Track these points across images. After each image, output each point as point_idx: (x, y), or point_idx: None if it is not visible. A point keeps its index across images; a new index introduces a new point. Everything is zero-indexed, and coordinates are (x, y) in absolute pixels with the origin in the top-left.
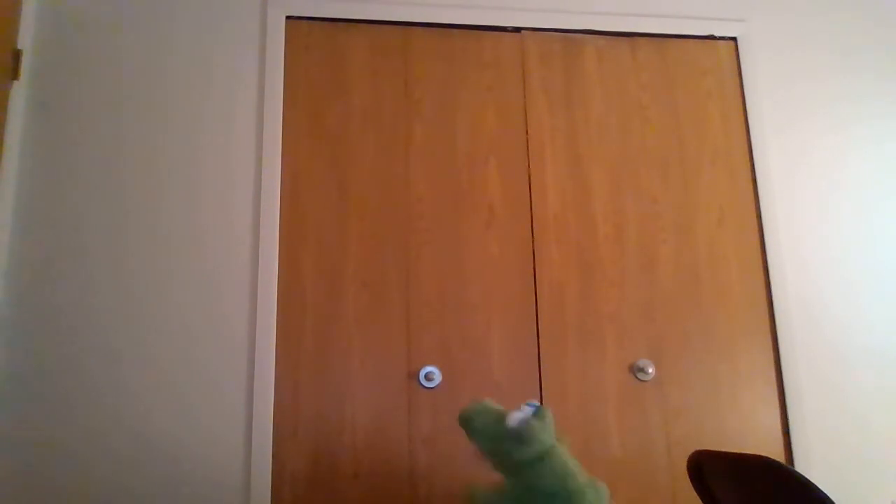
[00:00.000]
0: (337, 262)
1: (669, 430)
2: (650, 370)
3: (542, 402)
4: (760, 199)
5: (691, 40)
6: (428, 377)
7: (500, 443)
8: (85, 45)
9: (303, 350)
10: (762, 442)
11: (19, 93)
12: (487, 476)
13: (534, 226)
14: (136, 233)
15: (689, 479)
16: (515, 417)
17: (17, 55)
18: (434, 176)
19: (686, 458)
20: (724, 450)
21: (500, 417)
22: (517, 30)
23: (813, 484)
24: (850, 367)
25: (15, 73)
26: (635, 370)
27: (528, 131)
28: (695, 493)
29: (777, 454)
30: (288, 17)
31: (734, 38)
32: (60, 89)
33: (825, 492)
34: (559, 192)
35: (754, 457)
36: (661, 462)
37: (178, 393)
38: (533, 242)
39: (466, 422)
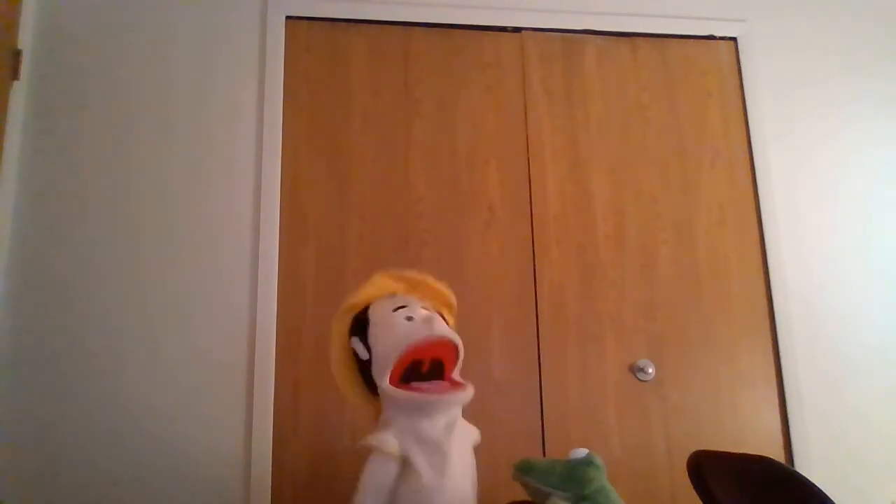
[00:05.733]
0: (337, 261)
1: (669, 430)
2: (650, 370)
3: (542, 402)
4: (760, 199)
5: (691, 40)
6: None
7: (568, 476)
8: (85, 46)
9: (303, 350)
10: (762, 442)
11: (19, 93)
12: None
13: (534, 226)
14: (136, 232)
15: (689, 479)
16: (579, 451)
17: (17, 55)
18: (434, 176)
19: (686, 458)
20: (724, 450)
21: (555, 461)
22: (517, 30)
23: (813, 484)
24: (851, 367)
25: (15, 73)
26: (635, 370)
27: (528, 131)
28: (695, 493)
29: (777, 454)
30: (288, 17)
31: (734, 38)
32: (60, 89)
33: (825, 492)
34: (559, 192)
35: (754, 457)
36: (661, 462)
37: (179, 393)
38: (533, 242)
39: (526, 466)
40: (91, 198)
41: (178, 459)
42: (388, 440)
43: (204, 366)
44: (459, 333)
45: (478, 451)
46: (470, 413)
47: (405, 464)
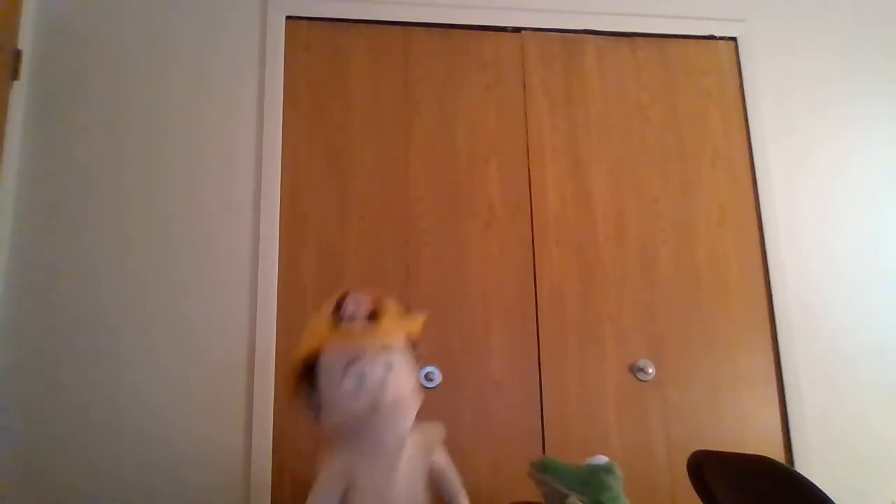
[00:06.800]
0: (337, 262)
1: (669, 430)
2: (650, 370)
3: (542, 402)
4: (760, 199)
5: (691, 40)
6: (428, 377)
7: (586, 480)
8: (85, 46)
9: None
10: (762, 442)
11: (19, 93)
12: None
13: (534, 226)
14: (136, 232)
15: (689, 479)
16: (599, 458)
17: (17, 55)
18: (434, 176)
19: (686, 458)
20: (724, 450)
21: (575, 464)
22: (517, 30)
23: (813, 484)
24: (850, 367)
25: (15, 73)
26: (635, 370)
27: (528, 131)
28: (695, 493)
29: (777, 454)
30: (288, 17)
31: (734, 39)
32: (60, 89)
33: (825, 492)
34: (559, 192)
35: (754, 457)
36: (661, 462)
37: (179, 393)
38: (533, 242)
39: (543, 465)
40: (91, 197)
41: (178, 459)
42: (333, 466)
43: (204, 366)
44: (460, 334)
45: (478, 451)
46: (470, 413)
47: (350, 487)
